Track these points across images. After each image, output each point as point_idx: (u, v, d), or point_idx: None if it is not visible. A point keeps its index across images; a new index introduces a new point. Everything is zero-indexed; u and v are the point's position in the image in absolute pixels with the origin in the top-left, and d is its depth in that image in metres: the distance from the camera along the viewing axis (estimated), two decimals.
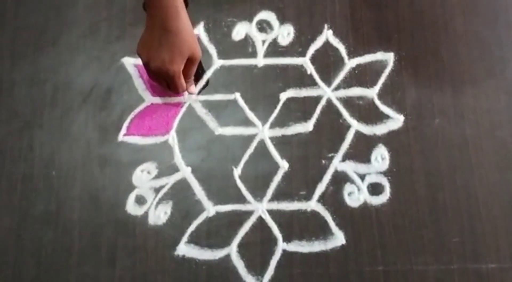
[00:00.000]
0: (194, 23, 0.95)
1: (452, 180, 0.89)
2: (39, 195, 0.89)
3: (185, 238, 0.86)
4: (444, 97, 0.93)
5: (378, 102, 0.93)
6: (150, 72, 0.87)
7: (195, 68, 0.89)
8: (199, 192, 0.88)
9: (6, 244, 0.86)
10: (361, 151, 0.91)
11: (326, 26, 0.98)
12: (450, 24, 0.98)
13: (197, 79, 0.95)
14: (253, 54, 0.96)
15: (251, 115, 0.92)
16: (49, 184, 0.89)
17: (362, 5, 0.99)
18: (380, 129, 0.92)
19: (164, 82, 0.89)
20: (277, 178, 0.89)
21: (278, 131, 0.92)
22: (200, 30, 0.97)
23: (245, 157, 0.90)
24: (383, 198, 0.88)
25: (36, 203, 0.88)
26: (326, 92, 0.93)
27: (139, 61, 0.95)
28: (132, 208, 0.88)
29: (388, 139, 0.91)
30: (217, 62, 0.96)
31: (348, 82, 0.94)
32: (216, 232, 0.87)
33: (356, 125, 0.92)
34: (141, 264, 0.85)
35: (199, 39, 0.95)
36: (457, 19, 0.98)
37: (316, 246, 0.86)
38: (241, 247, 0.86)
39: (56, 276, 0.85)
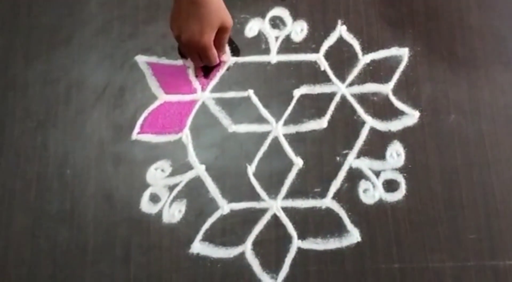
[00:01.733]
0: None
1: (469, 176, 0.88)
2: (53, 193, 0.89)
3: (199, 236, 0.86)
4: (459, 92, 0.92)
5: (393, 98, 0.92)
6: (181, 45, 0.88)
7: (227, 37, 0.90)
8: (213, 190, 0.88)
9: (22, 243, 0.87)
10: (376, 147, 0.90)
11: (339, 22, 0.97)
12: (466, 18, 0.97)
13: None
14: (266, 51, 0.96)
15: (264, 112, 0.92)
16: (63, 182, 0.89)
17: (376, 1, 0.98)
18: (395, 125, 0.91)
19: (196, 54, 0.89)
20: (292, 175, 0.89)
21: (292, 128, 0.91)
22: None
23: (259, 154, 0.90)
24: (399, 194, 0.87)
25: (51, 201, 0.89)
26: (340, 88, 0.93)
27: (152, 59, 0.95)
28: (146, 206, 0.88)
29: (403, 135, 0.90)
30: (231, 59, 0.95)
31: (362, 78, 0.93)
32: (230, 230, 0.86)
33: (370, 122, 0.91)
34: (156, 262, 0.85)
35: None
36: (473, 13, 0.97)
37: (331, 244, 0.85)
38: (256, 245, 0.85)
39: (71, 274, 0.85)
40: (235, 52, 0.96)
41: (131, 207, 0.88)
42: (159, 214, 0.87)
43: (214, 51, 0.88)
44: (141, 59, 0.96)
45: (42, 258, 0.86)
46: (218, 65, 0.95)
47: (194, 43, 0.85)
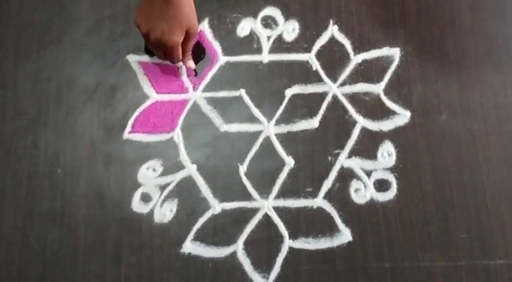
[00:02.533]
0: (199, 20, 0.95)
1: (459, 175, 0.89)
2: (44, 193, 0.88)
3: (191, 235, 0.86)
4: (450, 92, 0.93)
5: (384, 98, 0.92)
6: (148, 42, 0.88)
7: (193, 43, 0.90)
8: (205, 190, 0.88)
9: (12, 242, 0.86)
10: (367, 147, 0.90)
11: (331, 21, 0.97)
12: (457, 18, 0.97)
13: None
14: (258, 51, 0.95)
15: (256, 112, 0.92)
16: (54, 182, 0.89)
17: (367, 0, 0.98)
18: (386, 125, 0.91)
19: (161, 52, 0.89)
20: (283, 175, 0.89)
21: (284, 128, 0.91)
22: (204, 26, 0.97)
23: (251, 153, 0.90)
24: (390, 194, 0.88)
25: (41, 201, 0.88)
26: (332, 88, 0.93)
27: (144, 58, 0.95)
28: (137, 205, 0.88)
29: (395, 135, 0.90)
30: (222, 59, 0.95)
31: (354, 78, 0.94)
32: (222, 230, 0.86)
33: (362, 122, 0.91)
34: (147, 261, 0.85)
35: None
36: (464, 13, 0.97)
37: (323, 243, 0.85)
38: (247, 244, 0.85)
39: (62, 274, 0.85)
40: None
41: (122, 206, 0.87)
42: (151, 214, 0.87)
43: (180, 52, 0.88)
44: (133, 59, 0.95)
45: (33, 258, 0.85)
46: (211, 65, 0.95)
47: (163, 42, 0.85)
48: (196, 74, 0.94)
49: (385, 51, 0.95)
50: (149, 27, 0.85)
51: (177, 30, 0.84)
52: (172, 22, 0.84)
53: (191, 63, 0.93)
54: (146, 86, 0.94)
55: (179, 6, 0.83)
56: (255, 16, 0.98)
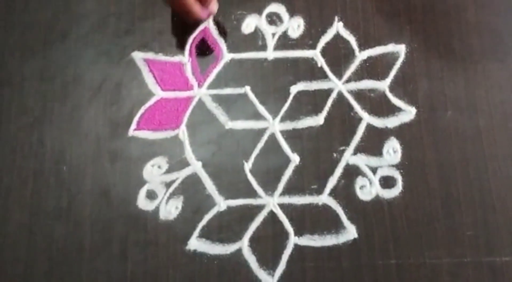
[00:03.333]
0: None
1: (465, 172, 0.88)
2: (50, 190, 0.89)
3: (196, 232, 0.86)
4: (456, 89, 0.92)
5: (389, 95, 0.92)
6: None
7: None
8: (210, 187, 0.88)
9: (18, 240, 0.86)
10: (372, 144, 0.90)
11: (336, 18, 0.96)
12: (462, 14, 0.96)
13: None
14: (263, 48, 0.95)
15: (261, 109, 0.92)
16: (60, 179, 0.89)
17: None
18: (392, 122, 0.91)
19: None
20: (288, 172, 0.89)
21: (289, 125, 0.91)
22: (209, 23, 0.96)
23: (256, 150, 0.90)
24: (395, 191, 0.87)
25: (47, 198, 0.88)
26: (337, 85, 0.93)
27: (148, 55, 0.95)
28: (143, 203, 0.88)
29: (400, 132, 0.90)
30: (227, 56, 0.95)
31: (359, 75, 0.93)
32: (227, 227, 0.86)
33: (367, 118, 0.91)
34: (153, 258, 0.85)
35: None
36: (469, 9, 0.97)
37: (328, 240, 0.85)
38: (253, 241, 0.85)
39: (68, 271, 0.85)
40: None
41: (128, 203, 0.88)
42: (156, 211, 0.87)
43: (192, 3, 0.87)
44: (138, 56, 0.95)
45: (39, 255, 0.85)
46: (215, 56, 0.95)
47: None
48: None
49: (390, 47, 0.95)
50: None
51: None
52: None
53: (213, 4, 0.92)
54: (151, 83, 0.94)
55: None
56: (260, 13, 0.97)
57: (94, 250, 0.86)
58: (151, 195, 0.88)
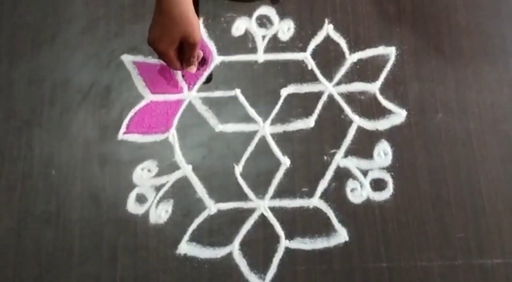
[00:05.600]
0: None
1: (456, 175, 0.88)
2: (39, 194, 0.88)
3: (186, 236, 0.85)
4: (447, 91, 0.92)
5: (380, 97, 0.92)
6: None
7: (192, 53, 0.87)
8: (200, 190, 0.88)
9: (6, 244, 0.86)
10: (363, 146, 0.90)
11: (326, 20, 0.96)
12: (453, 17, 0.96)
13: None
14: (253, 50, 0.95)
15: (252, 111, 0.92)
16: (49, 183, 0.88)
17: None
18: (382, 124, 0.91)
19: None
20: (279, 175, 0.88)
21: (280, 128, 0.91)
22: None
23: (246, 153, 0.89)
24: (386, 194, 0.87)
25: (36, 202, 0.88)
26: (327, 87, 0.92)
27: (138, 58, 0.94)
28: (133, 206, 0.87)
29: (391, 134, 0.90)
30: (217, 59, 0.94)
31: (349, 77, 0.93)
32: (218, 230, 0.86)
33: (358, 121, 0.91)
34: (143, 263, 0.84)
35: None
36: (459, 11, 0.97)
37: (319, 243, 0.85)
38: (244, 245, 0.85)
39: (57, 276, 0.84)
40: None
41: (118, 207, 0.87)
42: (146, 215, 0.87)
43: (172, 59, 0.86)
44: (127, 59, 0.95)
45: (28, 260, 0.85)
46: (205, 64, 0.94)
47: (153, 47, 0.84)
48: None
49: (380, 50, 0.95)
50: (148, 31, 0.84)
51: (166, 38, 0.83)
52: (162, 30, 0.82)
53: (190, 69, 0.91)
54: (141, 86, 0.93)
55: (170, 15, 0.81)
56: (250, 15, 0.97)
57: (84, 254, 0.85)
58: (141, 199, 0.88)
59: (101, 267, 0.84)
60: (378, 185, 0.88)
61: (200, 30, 0.87)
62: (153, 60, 0.94)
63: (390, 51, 0.94)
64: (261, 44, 0.95)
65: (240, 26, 0.96)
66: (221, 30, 0.96)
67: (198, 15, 0.95)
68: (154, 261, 0.84)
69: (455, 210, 0.86)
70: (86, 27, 0.97)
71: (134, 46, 0.95)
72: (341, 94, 0.92)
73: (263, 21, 0.97)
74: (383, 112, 0.91)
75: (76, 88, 0.93)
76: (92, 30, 0.97)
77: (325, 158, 0.89)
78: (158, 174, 0.89)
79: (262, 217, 0.86)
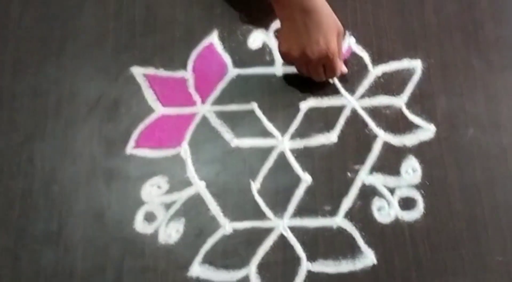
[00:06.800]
0: (208, 32, 0.92)
1: (491, 193, 0.82)
2: (39, 212, 0.82)
3: (199, 258, 0.79)
4: (477, 105, 0.87)
5: (406, 112, 0.86)
6: (305, 63, 0.82)
7: (342, 45, 0.83)
8: (214, 208, 0.81)
9: (2, 266, 0.79)
10: (390, 162, 0.84)
11: (348, 33, 0.92)
12: (480, 30, 0.92)
13: None
14: (271, 63, 0.90)
15: (269, 126, 0.86)
16: (50, 200, 0.83)
17: (385, 12, 0.93)
18: (410, 139, 0.85)
19: (321, 68, 0.83)
20: (299, 192, 0.82)
21: (300, 143, 0.85)
22: (214, 38, 0.92)
23: (264, 170, 0.84)
24: (416, 213, 0.81)
25: (36, 220, 0.81)
26: (350, 101, 0.87)
27: (149, 70, 0.90)
28: (141, 225, 0.81)
29: (419, 150, 0.84)
30: (233, 71, 0.90)
31: (373, 91, 0.88)
32: (233, 251, 0.79)
33: (383, 136, 0.85)
34: None
35: None
36: (487, 24, 0.92)
37: (344, 266, 0.78)
38: (261, 267, 0.78)
39: None
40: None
41: (124, 226, 0.81)
42: (155, 234, 0.80)
43: (338, 59, 0.82)
44: (138, 71, 0.90)
45: None
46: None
47: (322, 53, 0.78)
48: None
49: (405, 63, 0.90)
50: (302, 46, 0.78)
51: (332, 35, 0.78)
52: (324, 29, 0.78)
53: (344, 67, 0.86)
54: (151, 99, 0.88)
55: (321, 11, 0.77)
56: (266, 28, 0.93)
57: (86, 277, 0.79)
58: (149, 217, 0.81)
59: None
60: (407, 203, 0.81)
61: None
62: (165, 73, 0.90)
63: (416, 64, 0.89)
64: (279, 57, 0.90)
65: (256, 38, 0.92)
66: (237, 43, 0.92)
67: (212, 28, 0.92)
68: None
69: (492, 231, 0.79)
70: (95, 40, 0.93)
71: (145, 58, 0.91)
72: (365, 109, 0.87)
73: None
74: (410, 127, 0.86)
75: (83, 101, 0.88)
76: (100, 43, 0.92)
77: (349, 174, 0.83)
78: (169, 191, 0.83)
79: (281, 237, 0.80)
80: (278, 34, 0.80)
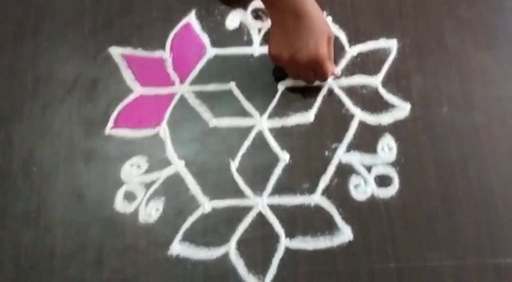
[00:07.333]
0: (187, 11, 0.91)
1: (465, 170, 0.83)
2: (18, 192, 0.82)
3: (179, 236, 0.80)
4: (451, 85, 0.88)
5: (382, 91, 0.87)
6: (295, 67, 0.82)
7: (332, 48, 0.83)
8: (194, 187, 0.82)
9: None
10: (366, 141, 0.85)
11: (325, 13, 0.92)
12: (455, 10, 0.93)
13: None
14: (249, 43, 0.91)
15: (248, 105, 0.87)
16: (29, 181, 0.83)
17: None
18: (385, 118, 0.86)
19: (310, 72, 0.83)
20: (278, 171, 0.83)
21: (278, 122, 0.86)
22: (191, 18, 0.92)
23: (243, 149, 0.84)
24: (392, 190, 0.82)
25: (15, 201, 0.82)
26: (328, 81, 0.88)
27: (127, 50, 0.90)
28: (120, 205, 0.81)
29: (395, 128, 0.85)
30: (211, 51, 0.90)
31: (350, 71, 0.89)
32: (212, 229, 0.80)
33: (360, 115, 0.86)
34: (132, 265, 0.78)
35: None
36: (462, 4, 0.93)
37: (322, 242, 0.79)
38: (241, 244, 0.79)
39: (37, 280, 0.78)
40: None
41: (104, 206, 0.81)
42: (135, 213, 0.81)
43: (330, 63, 0.82)
44: (115, 51, 0.90)
45: (5, 263, 0.79)
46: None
47: (312, 58, 0.79)
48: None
49: (381, 42, 0.91)
50: (292, 50, 0.78)
51: (322, 39, 0.79)
52: (314, 34, 0.78)
53: (337, 70, 0.86)
54: (130, 79, 0.88)
55: (313, 16, 0.77)
56: (245, 7, 0.93)
57: (67, 257, 0.79)
58: (129, 197, 0.82)
59: (85, 270, 0.78)
60: (383, 181, 0.83)
61: None
62: (143, 53, 0.90)
63: (392, 44, 0.90)
64: (257, 37, 0.91)
65: (234, 18, 0.92)
66: (215, 23, 0.92)
67: (190, 7, 0.92)
68: (144, 263, 0.78)
69: (465, 207, 0.81)
70: (71, 20, 0.92)
71: (123, 38, 0.91)
72: (342, 88, 0.88)
73: (259, 14, 0.93)
74: (386, 106, 0.87)
75: (60, 82, 0.88)
76: (77, 22, 0.92)
77: (326, 153, 0.84)
78: (148, 170, 0.83)
79: (260, 215, 0.81)
80: (269, 36, 0.80)
